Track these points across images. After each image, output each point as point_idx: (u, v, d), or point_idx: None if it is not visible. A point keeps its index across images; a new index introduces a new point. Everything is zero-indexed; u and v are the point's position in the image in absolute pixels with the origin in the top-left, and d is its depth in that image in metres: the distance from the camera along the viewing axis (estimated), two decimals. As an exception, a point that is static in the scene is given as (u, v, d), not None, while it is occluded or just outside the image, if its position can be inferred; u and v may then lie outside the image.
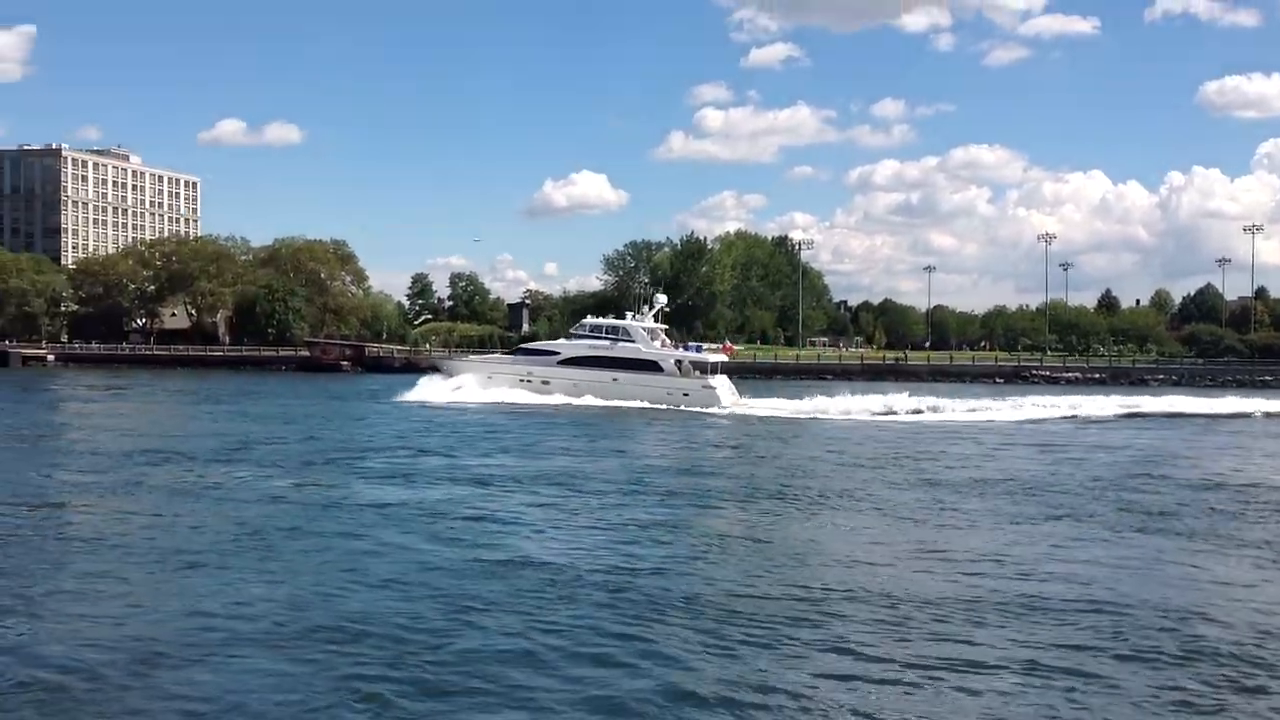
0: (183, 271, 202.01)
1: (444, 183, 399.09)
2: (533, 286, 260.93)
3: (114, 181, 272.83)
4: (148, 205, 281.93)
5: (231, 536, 25.60)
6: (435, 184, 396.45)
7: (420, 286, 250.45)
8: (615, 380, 78.58)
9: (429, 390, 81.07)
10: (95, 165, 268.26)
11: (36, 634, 17.67)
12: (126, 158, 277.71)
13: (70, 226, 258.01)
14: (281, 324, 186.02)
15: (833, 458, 45.94)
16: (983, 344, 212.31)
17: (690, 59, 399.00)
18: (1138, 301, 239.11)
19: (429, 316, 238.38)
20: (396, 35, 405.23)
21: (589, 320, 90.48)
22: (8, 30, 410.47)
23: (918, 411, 72.32)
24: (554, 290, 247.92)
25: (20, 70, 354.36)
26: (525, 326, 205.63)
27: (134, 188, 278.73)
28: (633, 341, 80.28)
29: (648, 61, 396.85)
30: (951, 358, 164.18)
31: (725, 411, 73.74)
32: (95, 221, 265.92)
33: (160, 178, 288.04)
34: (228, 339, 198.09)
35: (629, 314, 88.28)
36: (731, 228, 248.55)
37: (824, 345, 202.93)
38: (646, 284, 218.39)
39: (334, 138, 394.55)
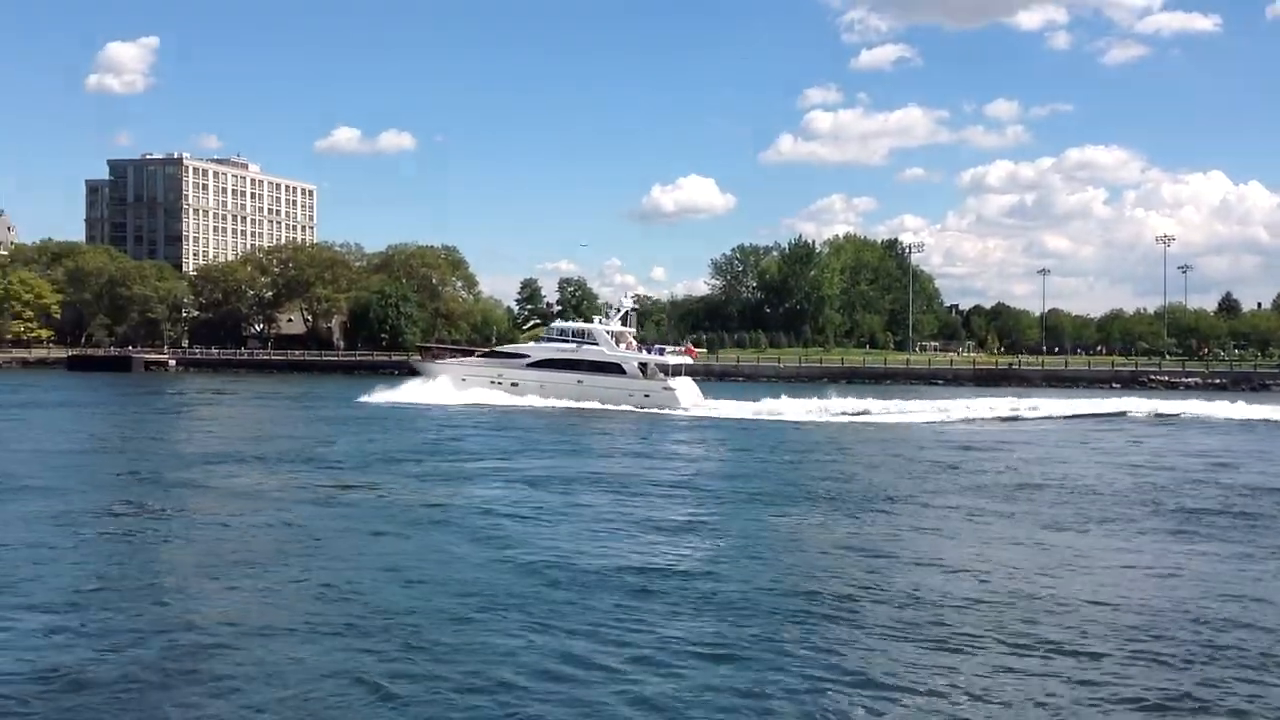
0: (299, 278, 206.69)
1: (553, 188, 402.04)
2: (640, 291, 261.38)
3: (233, 190, 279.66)
4: (266, 213, 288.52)
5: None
6: (544, 189, 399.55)
7: (529, 291, 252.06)
8: (580, 382, 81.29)
9: (405, 392, 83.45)
10: (215, 174, 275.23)
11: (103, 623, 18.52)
12: (245, 166, 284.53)
13: (191, 234, 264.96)
14: (394, 329, 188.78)
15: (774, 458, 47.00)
16: (1099, 349, 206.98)
17: (799, 61, 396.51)
18: (1259, 305, 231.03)
19: (538, 321, 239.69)
20: (507, 43, 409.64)
21: (556, 324, 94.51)
22: (132, 43, 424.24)
23: (862, 412, 75.10)
24: (661, 294, 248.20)
25: (143, 81, 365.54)
26: (634, 330, 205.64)
27: (253, 195, 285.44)
28: (596, 344, 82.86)
29: (756, 64, 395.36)
30: (1067, 362, 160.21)
31: (684, 413, 75.32)
32: (215, 229, 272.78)
33: (278, 185, 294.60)
34: (342, 344, 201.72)
35: (596, 318, 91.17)
36: (840, 231, 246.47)
37: (935, 350, 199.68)
38: (754, 288, 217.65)
39: (446, 145, 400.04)
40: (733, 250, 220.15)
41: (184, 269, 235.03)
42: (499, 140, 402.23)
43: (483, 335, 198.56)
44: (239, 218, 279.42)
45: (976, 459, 47.25)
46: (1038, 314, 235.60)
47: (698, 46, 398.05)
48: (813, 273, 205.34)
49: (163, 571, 23.41)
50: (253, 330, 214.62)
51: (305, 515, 30.62)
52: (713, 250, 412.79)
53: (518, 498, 34.47)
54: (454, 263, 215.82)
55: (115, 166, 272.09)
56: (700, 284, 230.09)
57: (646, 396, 79.24)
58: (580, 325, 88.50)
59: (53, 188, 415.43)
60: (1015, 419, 72.88)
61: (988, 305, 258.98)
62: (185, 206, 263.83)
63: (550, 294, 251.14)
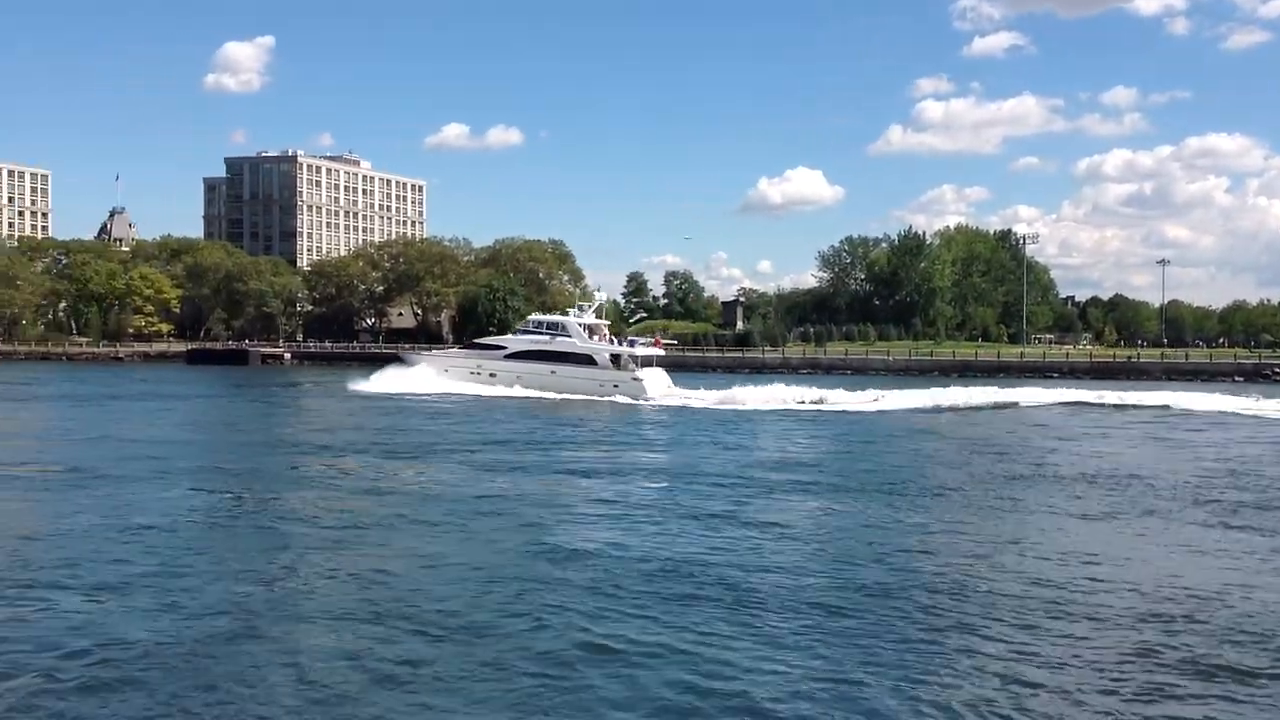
0: (409, 272, 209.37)
1: (659, 181, 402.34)
2: (747, 284, 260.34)
3: (346, 186, 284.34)
4: (377, 208, 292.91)
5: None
6: (651, 183, 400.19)
7: (636, 285, 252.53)
8: (553, 373, 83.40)
9: (386, 381, 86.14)
10: (328, 170, 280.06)
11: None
12: (357, 163, 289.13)
13: (305, 230, 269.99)
14: (502, 322, 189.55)
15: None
16: (1221, 341, 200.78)
17: (910, 51, 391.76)
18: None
19: (644, 315, 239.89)
20: (613, 38, 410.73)
21: (532, 317, 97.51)
22: (248, 42, 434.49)
23: (817, 401, 76.51)
24: (768, 287, 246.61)
25: (259, 80, 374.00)
26: (740, 324, 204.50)
27: (364, 192, 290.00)
28: (569, 336, 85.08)
29: (866, 55, 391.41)
30: (1187, 355, 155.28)
31: (652, 402, 77.09)
32: (328, 225, 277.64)
33: (389, 181, 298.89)
34: (451, 337, 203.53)
35: (570, 311, 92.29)
36: (951, 222, 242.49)
37: (1050, 343, 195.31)
38: (862, 280, 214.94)
39: (553, 140, 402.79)
40: (841, 242, 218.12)
41: (298, 264, 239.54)
42: (605, 134, 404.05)
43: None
44: (351, 213, 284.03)
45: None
46: (1157, 305, 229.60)
47: (806, 38, 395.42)
48: (923, 264, 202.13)
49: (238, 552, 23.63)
50: (364, 324, 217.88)
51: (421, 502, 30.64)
52: (820, 243, 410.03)
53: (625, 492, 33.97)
54: (560, 256, 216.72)
55: (232, 164, 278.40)
56: (807, 277, 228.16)
57: (615, 386, 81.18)
58: (554, 318, 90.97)
59: (172, 185, 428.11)
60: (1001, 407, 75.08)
61: (1105, 297, 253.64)
62: (299, 203, 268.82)
63: (656, 287, 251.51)
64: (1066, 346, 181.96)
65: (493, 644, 17.01)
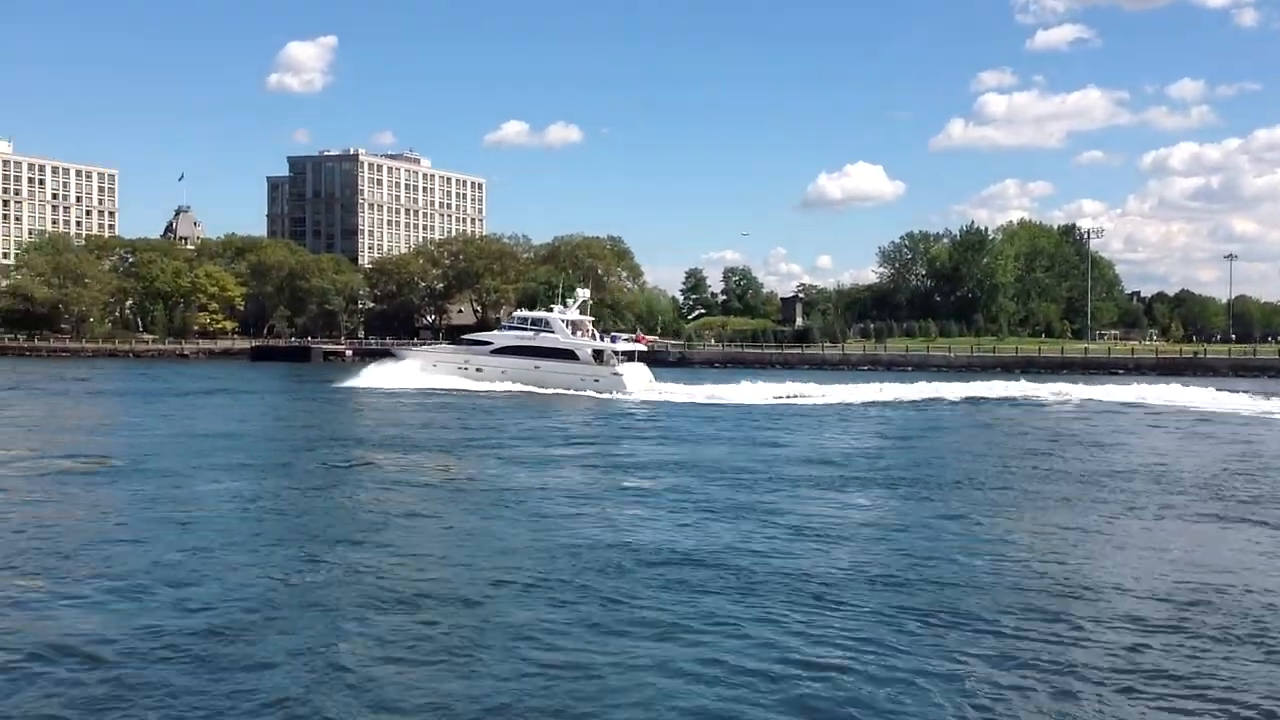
0: (469, 269, 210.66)
1: (718, 177, 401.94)
2: (806, 280, 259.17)
3: (406, 184, 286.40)
4: (437, 206, 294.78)
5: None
6: (709, 179, 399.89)
7: (694, 281, 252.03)
8: (537, 368, 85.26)
9: (375, 376, 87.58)
10: (389, 169, 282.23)
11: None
12: (418, 161, 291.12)
13: (366, 228, 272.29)
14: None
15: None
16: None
17: (972, 44, 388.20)
18: None
19: (703, 311, 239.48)
20: (672, 34, 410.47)
21: (517, 313, 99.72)
22: (311, 42, 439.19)
23: (794, 395, 78.96)
24: (827, 283, 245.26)
25: (321, 80, 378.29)
26: (799, 320, 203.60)
27: (424, 190, 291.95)
28: (552, 332, 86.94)
29: (927, 49, 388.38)
30: (1255, 351, 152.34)
31: (633, 397, 78.47)
32: (389, 223, 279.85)
33: (449, 179, 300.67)
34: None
35: (555, 307, 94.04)
36: (1014, 217, 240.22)
37: (1115, 338, 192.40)
38: (923, 276, 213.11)
39: (612, 137, 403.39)
40: (901, 238, 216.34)
41: (359, 262, 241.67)
42: (664, 131, 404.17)
43: (647, 325, 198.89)
44: (412, 211, 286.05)
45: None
46: (1224, 301, 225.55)
47: (866, 32, 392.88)
48: (985, 260, 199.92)
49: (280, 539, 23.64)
50: (425, 321, 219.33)
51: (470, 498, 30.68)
52: (880, 238, 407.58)
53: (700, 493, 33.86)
54: (619, 253, 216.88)
55: (294, 163, 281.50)
56: (868, 273, 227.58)
57: (596, 381, 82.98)
58: (539, 314, 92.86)
59: (236, 184, 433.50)
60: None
61: (1171, 292, 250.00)
62: (360, 201, 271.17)
63: (715, 284, 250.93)
64: (1132, 343, 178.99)
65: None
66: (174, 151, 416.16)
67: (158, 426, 53.05)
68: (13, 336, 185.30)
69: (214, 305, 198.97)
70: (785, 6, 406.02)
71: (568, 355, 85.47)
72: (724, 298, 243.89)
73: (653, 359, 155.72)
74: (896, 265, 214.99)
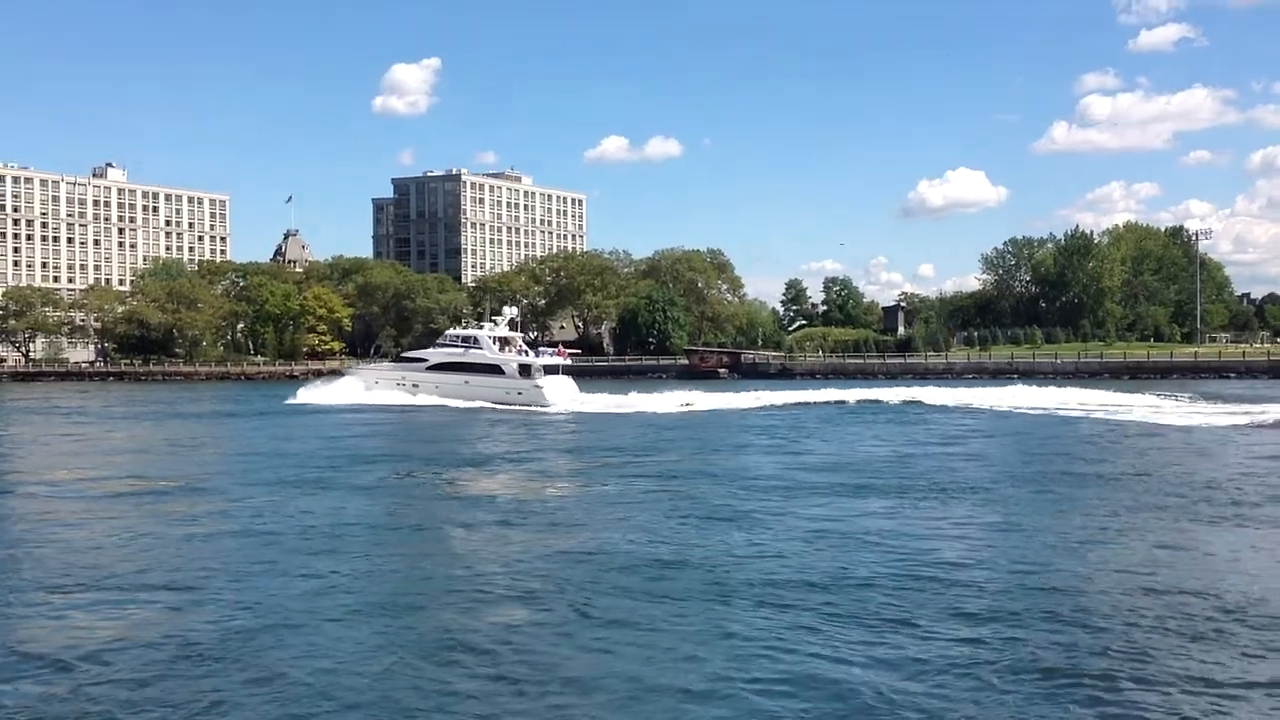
0: (570, 285, 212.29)
1: (817, 188, 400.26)
2: (907, 288, 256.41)
3: (508, 202, 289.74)
4: (538, 223, 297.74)
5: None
6: (808, 190, 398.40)
7: (794, 292, 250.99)
8: (467, 382, 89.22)
9: (316, 393, 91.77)
10: (491, 188, 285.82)
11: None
12: (519, 179, 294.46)
13: (469, 246, 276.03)
14: (661, 333, 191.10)
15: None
16: None
17: (1074, 46, 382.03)
18: None
19: (803, 322, 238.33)
20: (770, 45, 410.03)
21: (449, 330, 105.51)
22: (416, 64, 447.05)
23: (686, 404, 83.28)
24: (929, 291, 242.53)
25: (425, 102, 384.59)
26: (901, 329, 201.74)
27: (526, 207, 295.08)
28: (480, 349, 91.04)
29: (1028, 52, 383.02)
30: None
31: (554, 408, 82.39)
32: (492, 241, 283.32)
33: (550, 196, 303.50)
34: (611, 349, 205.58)
35: (485, 324, 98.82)
36: (1120, 220, 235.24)
37: (1225, 342, 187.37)
38: (1028, 282, 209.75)
39: (711, 149, 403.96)
40: (1005, 244, 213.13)
41: (463, 280, 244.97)
42: (763, 142, 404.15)
43: (748, 337, 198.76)
44: (513, 229, 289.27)
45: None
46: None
47: (965, 37, 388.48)
48: (1091, 264, 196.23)
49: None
50: (527, 337, 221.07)
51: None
52: (982, 245, 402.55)
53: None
54: (719, 266, 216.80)
55: (399, 185, 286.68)
56: (970, 280, 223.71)
57: (520, 394, 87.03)
58: (469, 332, 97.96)
59: (342, 206, 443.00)
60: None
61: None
62: (464, 221, 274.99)
63: (816, 294, 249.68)
64: (1243, 346, 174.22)
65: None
66: (283, 176, 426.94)
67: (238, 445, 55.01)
68: (129, 361, 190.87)
69: (322, 326, 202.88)
70: (883, 14, 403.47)
71: (495, 370, 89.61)
72: (824, 308, 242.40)
73: (754, 371, 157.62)
74: (1000, 272, 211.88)
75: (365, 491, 36.42)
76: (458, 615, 19.48)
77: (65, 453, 54.34)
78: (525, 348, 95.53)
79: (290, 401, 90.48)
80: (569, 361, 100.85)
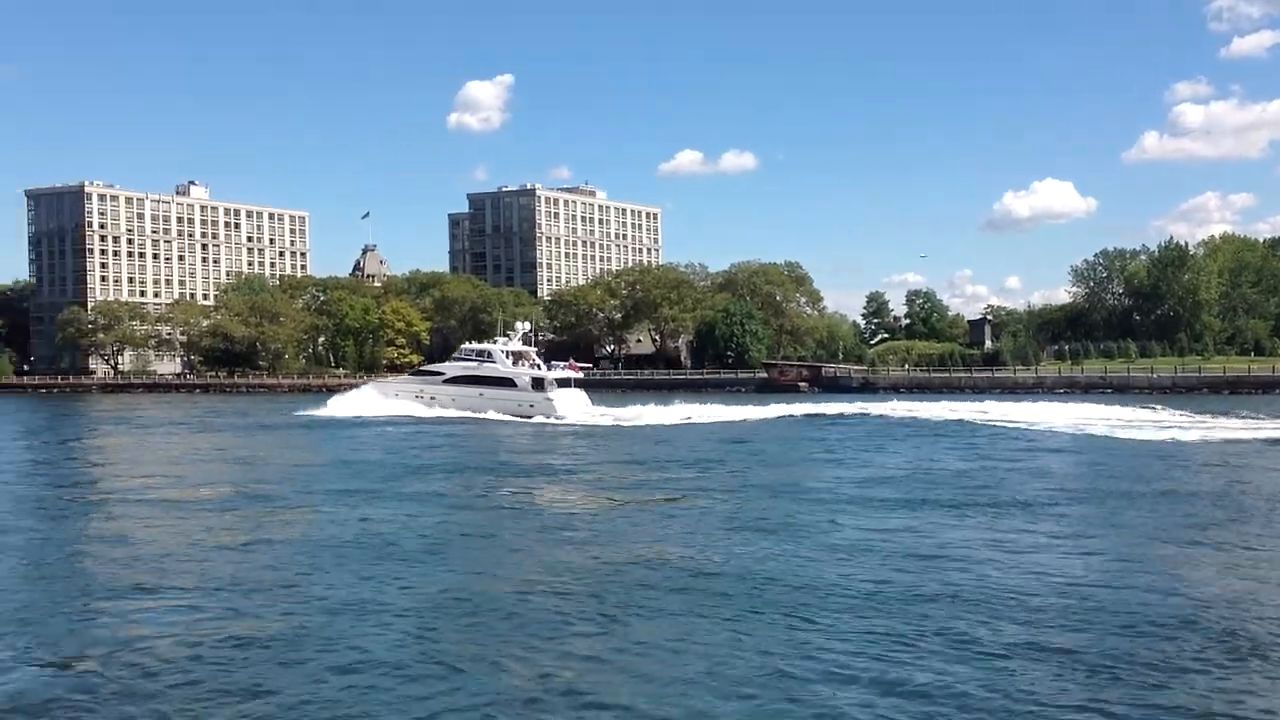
0: (646, 299, 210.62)
1: (899, 199, 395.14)
2: (994, 301, 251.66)
3: (583, 216, 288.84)
4: (613, 237, 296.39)
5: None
6: (889, 201, 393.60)
7: (876, 305, 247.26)
8: (481, 395, 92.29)
9: (339, 405, 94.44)
10: (565, 202, 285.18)
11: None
12: (593, 193, 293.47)
13: (544, 261, 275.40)
14: (740, 347, 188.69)
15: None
16: None
17: (1163, 54, 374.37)
18: None
19: (886, 335, 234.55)
20: (846, 55, 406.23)
21: (465, 345, 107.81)
22: (489, 81, 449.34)
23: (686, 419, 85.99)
24: (1017, 304, 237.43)
25: (499, 118, 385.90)
26: (987, 343, 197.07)
27: (600, 221, 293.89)
28: (494, 362, 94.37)
29: (1116, 60, 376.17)
30: None
31: (563, 421, 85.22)
32: (567, 255, 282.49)
33: (624, 210, 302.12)
34: (689, 362, 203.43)
35: (498, 340, 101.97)
36: (1216, 231, 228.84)
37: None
38: (1120, 294, 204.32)
39: (787, 161, 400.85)
40: (1095, 255, 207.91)
41: (538, 294, 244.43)
42: (840, 153, 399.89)
43: (829, 351, 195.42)
44: (588, 243, 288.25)
45: None
46: None
47: (1051, 45, 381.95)
48: (1187, 276, 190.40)
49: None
50: (604, 351, 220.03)
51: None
52: (1071, 257, 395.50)
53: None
54: (797, 279, 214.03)
55: (474, 200, 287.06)
56: (1059, 293, 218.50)
57: (531, 406, 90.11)
58: (483, 346, 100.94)
59: (420, 221, 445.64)
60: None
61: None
62: (538, 235, 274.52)
63: (898, 307, 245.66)
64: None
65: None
66: (360, 192, 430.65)
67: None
68: (214, 373, 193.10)
69: (401, 340, 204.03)
70: (965, 21, 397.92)
71: (508, 383, 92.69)
72: (907, 321, 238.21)
73: (835, 385, 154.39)
74: (1091, 284, 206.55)
75: (431, 501, 37.13)
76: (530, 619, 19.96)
77: (147, 461, 54.86)
78: (539, 362, 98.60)
79: (306, 412, 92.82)
80: (581, 375, 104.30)
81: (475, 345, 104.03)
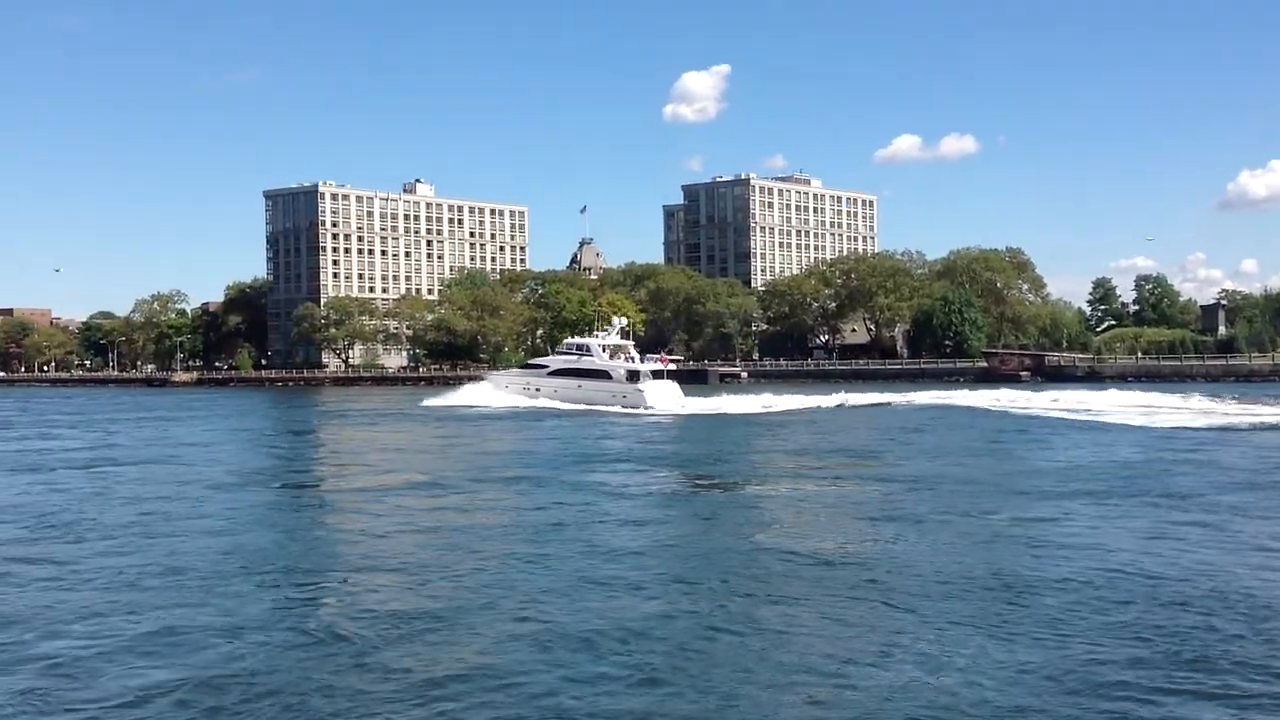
0: (861, 288, 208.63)
1: (1123, 181, 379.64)
2: (1228, 286, 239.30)
3: (797, 205, 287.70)
4: (827, 226, 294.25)
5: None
6: (1116, 183, 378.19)
7: (1102, 291, 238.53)
8: (579, 387, 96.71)
9: (457, 396, 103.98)
10: (780, 191, 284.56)
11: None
12: (808, 182, 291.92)
13: (758, 251, 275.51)
14: (958, 335, 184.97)
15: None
16: None
17: None
18: None
19: (1112, 322, 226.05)
20: (1066, 35, 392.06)
21: (567, 340, 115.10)
22: (706, 71, 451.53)
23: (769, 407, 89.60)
24: (1253, 289, 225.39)
25: (714, 108, 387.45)
26: (1222, 329, 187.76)
27: (814, 210, 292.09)
28: (591, 356, 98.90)
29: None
30: None
31: (652, 410, 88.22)
32: (780, 245, 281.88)
33: (839, 199, 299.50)
34: (905, 352, 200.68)
35: (597, 334, 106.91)
36: None
37: None
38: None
39: (1009, 145, 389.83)
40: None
41: (752, 284, 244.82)
42: (1064, 134, 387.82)
43: (1052, 339, 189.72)
44: (802, 232, 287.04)
45: None
46: None
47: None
48: None
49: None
50: (818, 341, 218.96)
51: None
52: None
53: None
54: (1019, 265, 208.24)
55: (688, 191, 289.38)
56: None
57: (624, 397, 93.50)
58: (581, 340, 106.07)
59: (635, 213, 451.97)
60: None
61: None
62: (753, 225, 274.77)
63: (1125, 293, 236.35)
64: None
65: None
66: (578, 186, 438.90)
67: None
68: (438, 366, 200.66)
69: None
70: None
71: (604, 375, 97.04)
72: (1135, 307, 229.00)
73: (1059, 374, 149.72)
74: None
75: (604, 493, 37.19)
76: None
77: (369, 450, 57.34)
78: (635, 355, 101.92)
79: (430, 404, 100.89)
80: (673, 367, 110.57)
81: (575, 340, 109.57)
